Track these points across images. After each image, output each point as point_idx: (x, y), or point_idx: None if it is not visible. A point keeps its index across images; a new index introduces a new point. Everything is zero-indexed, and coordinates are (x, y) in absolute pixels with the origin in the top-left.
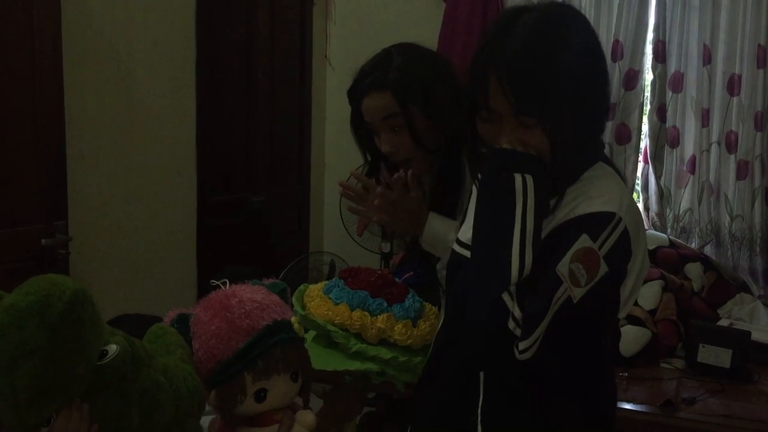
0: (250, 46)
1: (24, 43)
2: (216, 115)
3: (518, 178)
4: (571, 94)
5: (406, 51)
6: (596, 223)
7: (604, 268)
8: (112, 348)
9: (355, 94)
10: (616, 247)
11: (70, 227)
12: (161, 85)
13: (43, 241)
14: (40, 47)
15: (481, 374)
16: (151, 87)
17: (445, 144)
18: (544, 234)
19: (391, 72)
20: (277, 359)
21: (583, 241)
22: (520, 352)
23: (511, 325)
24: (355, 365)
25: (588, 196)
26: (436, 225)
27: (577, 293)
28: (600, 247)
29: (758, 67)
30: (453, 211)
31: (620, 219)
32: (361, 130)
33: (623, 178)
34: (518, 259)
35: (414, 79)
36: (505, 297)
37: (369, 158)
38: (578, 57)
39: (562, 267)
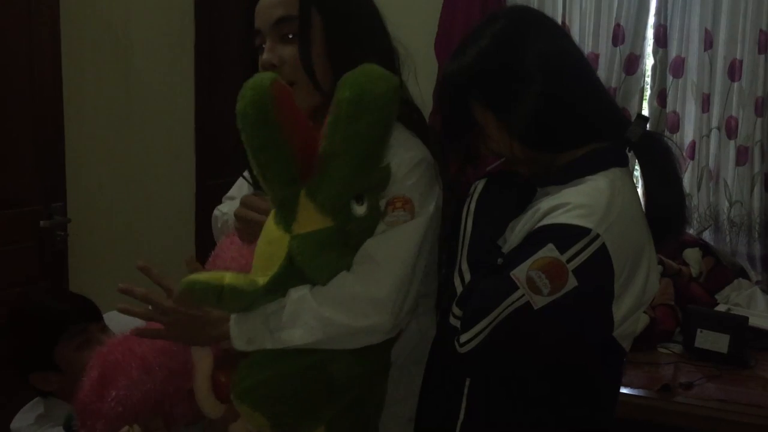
0: (250, 24)
1: (22, 26)
2: (215, 97)
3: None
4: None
5: None
6: (567, 235)
7: (572, 282)
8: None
9: None
10: (590, 264)
11: (68, 209)
12: (160, 67)
13: (41, 222)
14: (38, 29)
15: (467, 382)
16: (150, 69)
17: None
18: (521, 235)
19: None
20: None
21: (548, 250)
22: (461, 345)
23: (453, 321)
24: None
25: (568, 206)
26: (243, 328)
27: (539, 301)
28: (569, 261)
29: (759, 53)
30: None
31: (597, 235)
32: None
33: (657, 193)
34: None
35: None
36: (457, 283)
37: None
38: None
39: (519, 272)
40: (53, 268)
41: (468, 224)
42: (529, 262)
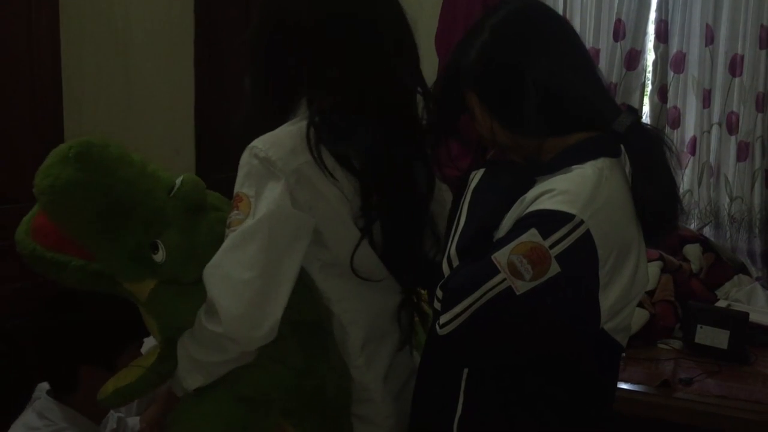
0: (250, 19)
1: (22, 21)
2: (215, 91)
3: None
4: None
5: None
6: (550, 221)
7: (555, 268)
8: (179, 180)
9: None
10: (573, 251)
11: None
12: (159, 61)
13: None
14: (37, 25)
15: (464, 376)
16: (149, 63)
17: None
18: (509, 224)
19: None
20: None
21: (531, 235)
22: (441, 327)
23: (436, 304)
24: None
25: (553, 192)
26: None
27: (521, 286)
28: (551, 246)
29: (761, 48)
30: None
31: (581, 221)
32: None
33: (650, 183)
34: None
35: None
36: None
37: None
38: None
39: (501, 256)
40: None
41: (463, 213)
42: (511, 246)
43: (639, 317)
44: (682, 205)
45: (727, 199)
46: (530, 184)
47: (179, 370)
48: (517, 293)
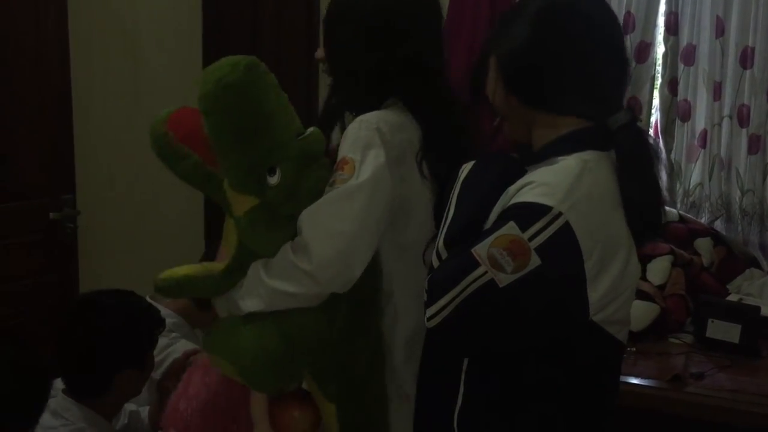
0: (257, 18)
1: (30, 18)
2: None
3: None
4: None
5: None
6: (528, 213)
7: (536, 261)
8: (309, 130)
9: None
10: (553, 242)
11: (78, 202)
12: (168, 58)
13: (51, 214)
14: (45, 22)
15: (463, 371)
16: (158, 59)
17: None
18: (494, 216)
19: None
20: None
21: (510, 228)
22: (427, 320)
23: (424, 296)
24: None
25: (533, 184)
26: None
27: (503, 279)
28: (530, 239)
29: None
30: None
31: (559, 214)
32: None
33: (638, 177)
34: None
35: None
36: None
37: None
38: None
39: (480, 249)
40: (62, 261)
41: (452, 206)
42: (490, 239)
43: (650, 312)
44: (665, 212)
45: (739, 193)
46: (520, 174)
47: (242, 289)
48: (500, 286)
